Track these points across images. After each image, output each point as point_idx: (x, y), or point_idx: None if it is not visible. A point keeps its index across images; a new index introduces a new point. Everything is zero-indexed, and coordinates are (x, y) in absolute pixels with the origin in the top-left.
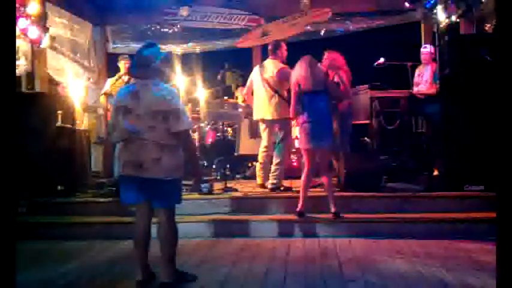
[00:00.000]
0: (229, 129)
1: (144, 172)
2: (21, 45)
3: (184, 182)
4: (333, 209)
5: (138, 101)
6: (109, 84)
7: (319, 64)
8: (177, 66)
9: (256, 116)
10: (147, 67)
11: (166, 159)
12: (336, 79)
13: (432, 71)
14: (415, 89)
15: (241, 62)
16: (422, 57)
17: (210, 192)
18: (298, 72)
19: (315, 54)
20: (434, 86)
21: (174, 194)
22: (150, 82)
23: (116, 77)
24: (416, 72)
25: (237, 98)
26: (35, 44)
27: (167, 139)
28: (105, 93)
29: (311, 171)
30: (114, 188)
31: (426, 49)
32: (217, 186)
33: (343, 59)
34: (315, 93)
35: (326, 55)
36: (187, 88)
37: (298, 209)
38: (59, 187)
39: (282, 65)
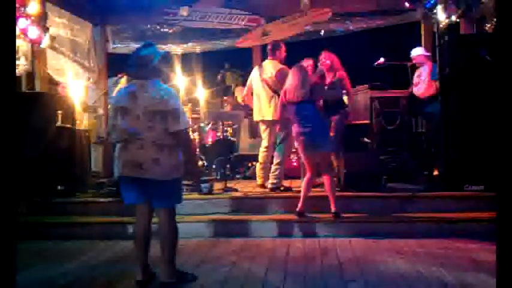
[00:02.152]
0: (229, 129)
1: (143, 172)
2: (21, 45)
3: (184, 182)
4: (333, 209)
5: (136, 102)
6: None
7: (307, 73)
8: (177, 66)
9: (256, 117)
10: (145, 67)
11: (165, 160)
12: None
13: (429, 70)
14: (415, 89)
15: (241, 62)
16: (415, 61)
17: (210, 192)
18: (290, 81)
19: (315, 54)
20: (432, 85)
21: (174, 194)
22: (148, 82)
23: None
24: (416, 72)
25: (236, 97)
26: (35, 44)
27: (166, 139)
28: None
29: (312, 175)
30: (114, 188)
31: (415, 53)
32: (217, 186)
33: (339, 60)
34: (300, 103)
35: (325, 55)
36: (187, 88)
37: (298, 209)
38: (59, 187)
39: (281, 66)
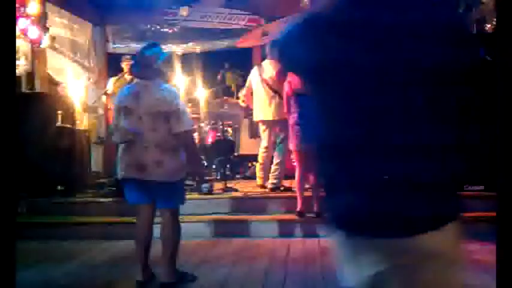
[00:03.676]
0: (229, 129)
1: (147, 174)
2: (21, 45)
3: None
4: (315, 209)
5: (139, 102)
6: (111, 83)
7: None
8: (177, 66)
9: (256, 118)
10: (149, 67)
11: (169, 162)
12: None
13: None
14: None
15: (241, 62)
16: None
17: (210, 192)
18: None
19: None
20: None
21: (177, 195)
22: (152, 82)
23: (119, 75)
24: None
25: (238, 98)
26: (35, 44)
27: (169, 140)
28: (107, 93)
29: (303, 172)
30: (114, 188)
31: None
32: (217, 186)
33: None
34: (305, 95)
35: None
36: (187, 88)
37: (298, 209)
38: (59, 187)
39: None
